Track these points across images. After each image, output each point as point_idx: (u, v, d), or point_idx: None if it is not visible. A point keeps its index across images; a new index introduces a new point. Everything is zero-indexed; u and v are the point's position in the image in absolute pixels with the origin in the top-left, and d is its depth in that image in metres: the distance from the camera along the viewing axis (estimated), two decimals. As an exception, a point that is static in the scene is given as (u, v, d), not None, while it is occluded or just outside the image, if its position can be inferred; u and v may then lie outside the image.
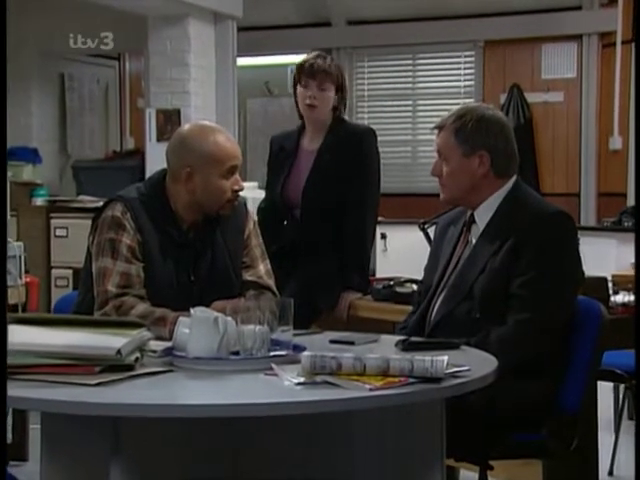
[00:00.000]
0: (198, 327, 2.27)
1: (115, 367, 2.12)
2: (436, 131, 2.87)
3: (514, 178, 2.83)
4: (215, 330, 2.26)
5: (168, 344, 2.38)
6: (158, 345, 2.38)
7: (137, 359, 2.18)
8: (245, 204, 2.99)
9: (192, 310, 2.31)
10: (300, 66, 3.83)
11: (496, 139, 2.80)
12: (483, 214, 2.81)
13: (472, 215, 2.85)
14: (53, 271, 6.28)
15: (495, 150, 2.79)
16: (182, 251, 2.82)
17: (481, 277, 2.72)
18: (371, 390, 1.99)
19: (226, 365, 2.24)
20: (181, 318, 2.38)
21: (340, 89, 3.84)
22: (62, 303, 3.00)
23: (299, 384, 2.04)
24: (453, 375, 2.11)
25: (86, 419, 1.98)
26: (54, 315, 2.58)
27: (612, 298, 3.38)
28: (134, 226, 2.77)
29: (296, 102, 3.90)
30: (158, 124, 6.40)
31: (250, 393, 2.04)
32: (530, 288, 2.65)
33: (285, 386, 2.04)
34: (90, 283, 2.79)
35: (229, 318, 2.33)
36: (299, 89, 3.84)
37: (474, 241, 2.82)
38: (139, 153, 7.01)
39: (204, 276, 2.84)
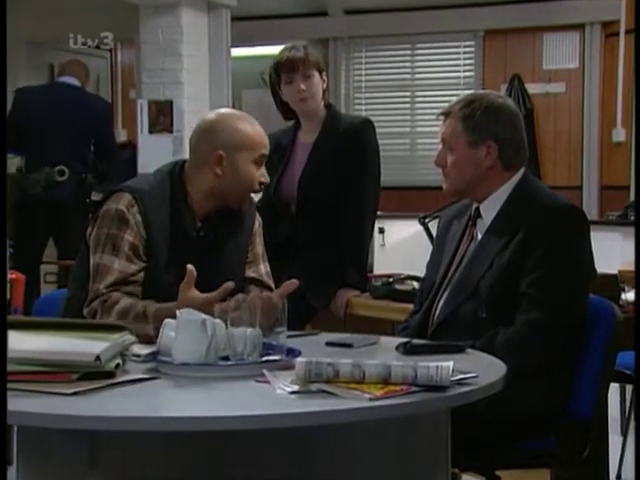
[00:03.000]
0: (184, 330, 2.12)
1: (94, 374, 1.96)
2: (441, 119, 2.72)
3: (522, 170, 2.69)
4: (203, 333, 2.11)
5: (153, 347, 2.23)
6: (143, 348, 2.24)
7: (118, 365, 2.03)
8: (253, 202, 2.90)
9: (178, 312, 2.17)
10: (277, 66, 3.69)
11: (505, 129, 2.66)
12: (489, 208, 2.67)
13: (477, 209, 2.70)
14: (42, 267, 6.15)
15: (503, 140, 2.65)
16: (190, 248, 2.66)
17: (488, 274, 2.57)
18: (371, 400, 1.84)
19: (214, 371, 2.09)
20: (167, 320, 2.23)
21: (321, 71, 3.72)
22: (44, 303, 2.84)
23: (293, 393, 1.90)
24: (459, 382, 1.97)
25: (62, 432, 1.82)
26: (29, 318, 2.42)
27: (623, 296, 3.24)
28: (140, 221, 2.60)
29: (281, 104, 3.78)
30: (150, 115, 6.25)
31: (240, 403, 1.89)
32: (540, 286, 2.50)
33: (277, 395, 1.89)
34: (83, 279, 2.62)
35: (218, 320, 2.18)
36: (284, 88, 3.71)
37: (480, 236, 2.68)
38: (131, 145, 6.88)
39: (212, 275, 2.68)
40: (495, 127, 2.65)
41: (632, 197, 6.97)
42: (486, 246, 2.63)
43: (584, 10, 7.62)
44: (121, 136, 8.09)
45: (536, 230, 2.54)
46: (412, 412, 1.91)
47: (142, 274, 2.60)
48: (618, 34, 7.42)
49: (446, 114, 2.71)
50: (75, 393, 1.86)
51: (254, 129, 2.73)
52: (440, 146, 2.73)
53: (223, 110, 2.89)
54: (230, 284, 2.41)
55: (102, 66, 8.28)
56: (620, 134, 7.57)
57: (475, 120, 2.65)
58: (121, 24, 6.65)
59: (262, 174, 2.73)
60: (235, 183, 2.68)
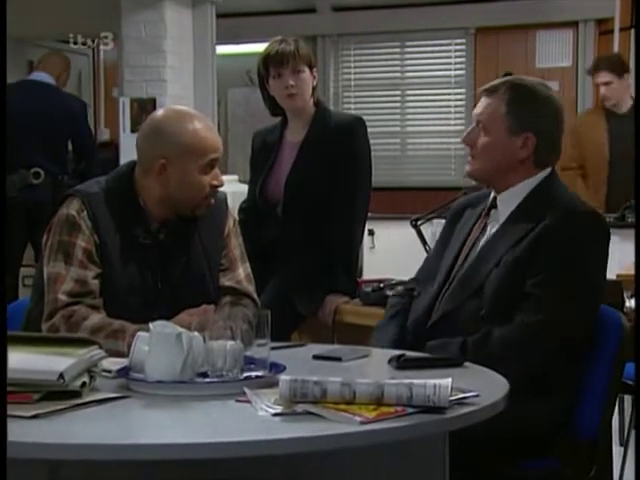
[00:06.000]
0: (158, 344, 1.95)
1: (57, 394, 1.79)
2: (483, 96, 2.55)
3: (549, 169, 2.53)
4: (178, 348, 1.94)
5: (125, 362, 2.06)
6: (115, 363, 2.06)
7: (84, 384, 1.85)
8: (225, 200, 2.68)
9: (151, 325, 1.99)
10: (265, 59, 3.53)
11: (547, 123, 2.51)
12: (507, 200, 2.51)
13: (494, 199, 2.54)
14: (22, 270, 5.98)
15: (543, 135, 2.49)
16: (149, 254, 2.49)
17: (495, 271, 2.42)
18: (362, 423, 1.67)
19: (191, 390, 1.92)
20: (140, 333, 2.06)
21: (312, 67, 3.58)
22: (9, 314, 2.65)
23: (276, 415, 1.73)
24: (459, 402, 1.80)
25: (18, 461, 1.63)
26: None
27: (627, 304, 3.08)
28: (90, 225, 2.45)
29: (268, 99, 3.62)
30: (132, 114, 6.08)
31: (218, 427, 1.72)
32: (545, 288, 2.34)
33: (259, 417, 1.72)
34: (43, 290, 2.47)
35: (195, 333, 2.01)
36: (272, 83, 3.55)
37: (491, 228, 2.52)
38: (113, 145, 6.73)
39: (175, 283, 2.51)
40: (539, 119, 2.49)
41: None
42: (498, 240, 2.48)
43: (578, 7, 7.47)
44: (103, 135, 7.92)
45: (550, 231, 2.38)
46: (407, 436, 1.74)
47: (98, 281, 2.45)
48: (612, 32, 7.27)
49: (490, 92, 2.54)
50: (35, 416, 1.69)
51: (202, 133, 2.49)
52: (473, 124, 2.55)
53: (172, 108, 2.69)
54: (211, 308, 2.32)
55: (84, 63, 8.10)
56: (614, 133, 7.41)
57: (521, 107, 2.49)
58: (104, 20, 6.47)
59: (214, 177, 2.53)
60: (183, 192, 2.50)
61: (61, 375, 1.79)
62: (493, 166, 2.51)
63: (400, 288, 2.79)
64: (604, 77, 5.68)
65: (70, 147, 6.09)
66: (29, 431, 1.63)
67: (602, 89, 5.73)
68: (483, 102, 2.54)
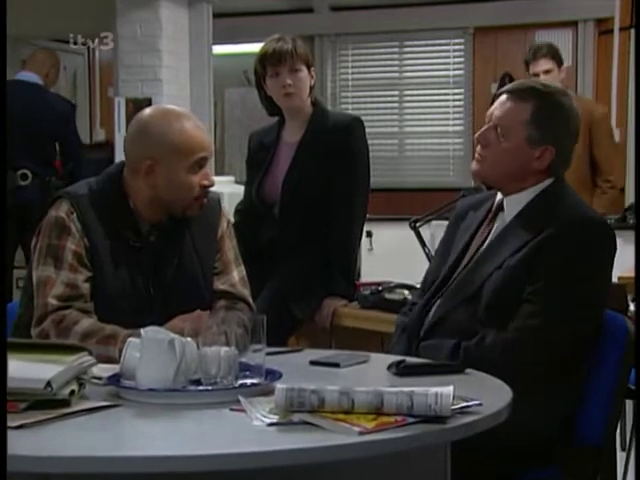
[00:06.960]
0: (150, 351, 1.89)
1: (45, 403, 1.73)
2: (506, 98, 2.45)
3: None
4: (170, 355, 1.89)
5: (116, 368, 2.00)
6: (106, 370, 2.00)
7: (73, 392, 1.79)
8: (219, 201, 2.62)
9: (143, 330, 1.93)
10: (263, 57, 3.48)
11: (567, 136, 2.43)
12: (514, 203, 2.44)
13: (501, 200, 2.48)
14: (15, 271, 5.92)
15: (562, 149, 2.42)
16: (140, 257, 2.43)
17: (496, 273, 2.34)
18: (361, 434, 1.61)
19: (183, 398, 1.87)
20: (131, 339, 2.00)
21: (310, 66, 3.52)
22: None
23: (272, 425, 1.67)
24: (461, 411, 1.74)
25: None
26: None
27: (631, 307, 3.02)
28: (80, 228, 2.39)
29: (265, 99, 3.56)
30: (128, 114, 6.01)
31: (211, 438, 1.66)
32: (544, 296, 2.28)
33: (254, 427, 1.67)
34: (32, 294, 2.41)
35: (189, 339, 1.95)
36: (269, 82, 3.50)
37: (497, 231, 2.46)
38: (108, 145, 6.67)
39: (167, 287, 2.45)
40: (561, 133, 2.42)
41: (628, 199, 6.77)
42: (501, 245, 2.41)
43: (577, 7, 7.41)
44: (99, 135, 7.87)
45: (552, 239, 2.31)
46: (408, 447, 1.68)
47: (89, 284, 2.39)
48: (612, 31, 7.22)
49: (515, 95, 2.43)
50: (21, 426, 1.63)
51: (189, 132, 2.43)
52: (489, 123, 2.46)
53: (157, 108, 2.64)
54: (205, 314, 2.28)
55: (79, 63, 8.03)
56: (615, 134, 7.34)
57: (546, 118, 2.40)
58: (100, 19, 6.41)
59: (204, 176, 2.46)
60: (172, 193, 2.44)
61: (49, 383, 1.73)
62: (503, 172, 2.44)
63: (405, 307, 2.71)
64: (546, 64, 5.36)
65: (58, 148, 6.06)
66: (14, 442, 1.56)
67: (542, 78, 5.29)
68: (505, 105, 2.44)
